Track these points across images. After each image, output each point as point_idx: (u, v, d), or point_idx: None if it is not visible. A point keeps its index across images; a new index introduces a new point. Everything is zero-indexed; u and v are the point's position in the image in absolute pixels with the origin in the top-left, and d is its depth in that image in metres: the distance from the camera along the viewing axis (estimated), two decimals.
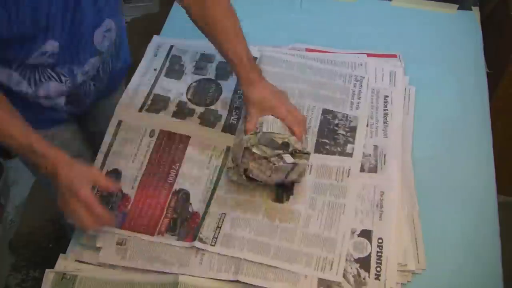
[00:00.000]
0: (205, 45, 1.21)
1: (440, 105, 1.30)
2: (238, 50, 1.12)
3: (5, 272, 1.98)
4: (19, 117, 1.01)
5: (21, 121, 1.00)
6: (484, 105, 1.30)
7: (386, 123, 1.21)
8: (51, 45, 1.01)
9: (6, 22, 0.89)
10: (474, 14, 1.53)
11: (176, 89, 1.28)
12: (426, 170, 1.17)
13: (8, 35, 0.91)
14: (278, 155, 1.02)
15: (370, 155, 1.15)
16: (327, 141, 1.18)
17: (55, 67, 1.08)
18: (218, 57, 1.32)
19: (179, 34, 1.48)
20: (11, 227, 2.07)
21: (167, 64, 1.35)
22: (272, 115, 1.11)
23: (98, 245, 1.05)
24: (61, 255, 1.07)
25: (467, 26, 1.49)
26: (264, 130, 1.07)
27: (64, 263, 1.05)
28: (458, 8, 1.54)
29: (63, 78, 1.11)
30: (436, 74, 1.36)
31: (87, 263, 1.06)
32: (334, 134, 1.19)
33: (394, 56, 1.37)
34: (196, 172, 1.14)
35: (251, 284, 0.98)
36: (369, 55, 1.36)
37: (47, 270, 1.04)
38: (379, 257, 1.01)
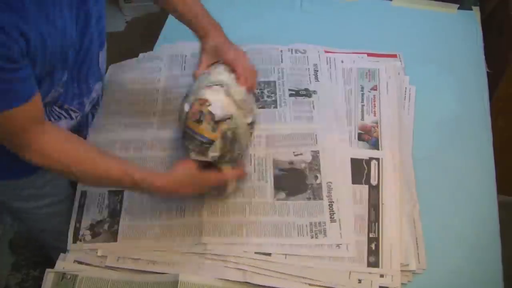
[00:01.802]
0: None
1: (440, 104, 1.30)
2: (194, 9, 1.10)
3: (5, 271, 1.98)
4: (104, 154, 1.00)
5: (111, 159, 1.00)
6: (484, 105, 1.30)
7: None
8: (64, 76, 0.99)
9: (41, 55, 0.86)
10: (475, 14, 1.53)
11: None
12: (427, 170, 1.17)
13: (40, 70, 0.89)
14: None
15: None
16: None
17: (64, 104, 1.06)
18: None
19: (178, 34, 1.48)
20: (11, 226, 2.06)
21: None
22: (220, 62, 1.05)
23: (99, 254, 1.06)
24: (61, 255, 1.07)
25: (468, 26, 1.49)
26: (211, 79, 1.00)
27: (63, 264, 1.05)
28: (459, 8, 1.54)
29: (73, 114, 1.10)
30: (436, 74, 1.36)
31: (86, 263, 1.06)
32: None
33: (394, 56, 1.37)
34: None
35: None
36: (369, 54, 1.37)
37: (47, 270, 1.04)
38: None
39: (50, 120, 1.06)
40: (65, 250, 1.08)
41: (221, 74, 1.01)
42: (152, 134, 1.21)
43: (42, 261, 1.71)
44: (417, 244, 1.04)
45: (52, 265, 1.06)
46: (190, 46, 1.35)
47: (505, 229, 1.11)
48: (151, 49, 1.45)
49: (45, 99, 0.98)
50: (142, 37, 2.79)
